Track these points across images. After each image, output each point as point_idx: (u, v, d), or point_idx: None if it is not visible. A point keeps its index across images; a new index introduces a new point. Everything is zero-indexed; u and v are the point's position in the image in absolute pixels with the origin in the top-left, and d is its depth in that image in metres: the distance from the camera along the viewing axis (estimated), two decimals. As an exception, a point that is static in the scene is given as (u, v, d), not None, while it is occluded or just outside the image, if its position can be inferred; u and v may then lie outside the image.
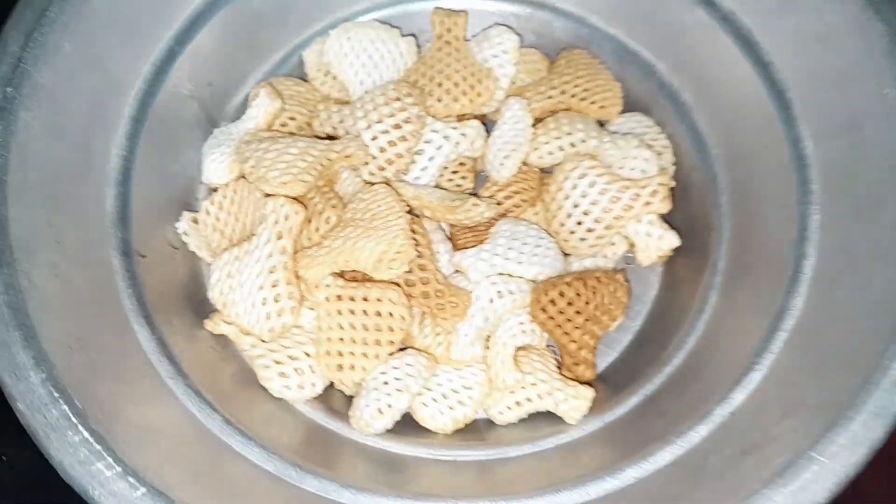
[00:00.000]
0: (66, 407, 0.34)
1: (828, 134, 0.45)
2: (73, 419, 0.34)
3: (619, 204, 0.48)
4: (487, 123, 0.54)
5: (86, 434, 0.34)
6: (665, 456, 0.39)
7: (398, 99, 0.49)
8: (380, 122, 0.49)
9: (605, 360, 0.50)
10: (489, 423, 0.47)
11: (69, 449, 0.33)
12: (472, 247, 0.48)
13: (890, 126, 0.43)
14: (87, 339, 0.38)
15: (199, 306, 0.46)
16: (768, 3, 0.48)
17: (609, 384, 0.48)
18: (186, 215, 0.48)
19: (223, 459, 0.38)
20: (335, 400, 0.46)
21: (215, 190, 0.49)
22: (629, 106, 0.54)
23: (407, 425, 0.45)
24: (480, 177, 0.54)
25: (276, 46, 0.55)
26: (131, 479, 0.33)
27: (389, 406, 0.43)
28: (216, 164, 0.48)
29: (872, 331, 0.38)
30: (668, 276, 0.52)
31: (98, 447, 0.34)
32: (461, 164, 0.52)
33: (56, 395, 0.34)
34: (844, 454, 0.34)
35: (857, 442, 0.34)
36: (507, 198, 0.50)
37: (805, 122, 0.46)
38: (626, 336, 0.51)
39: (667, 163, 0.52)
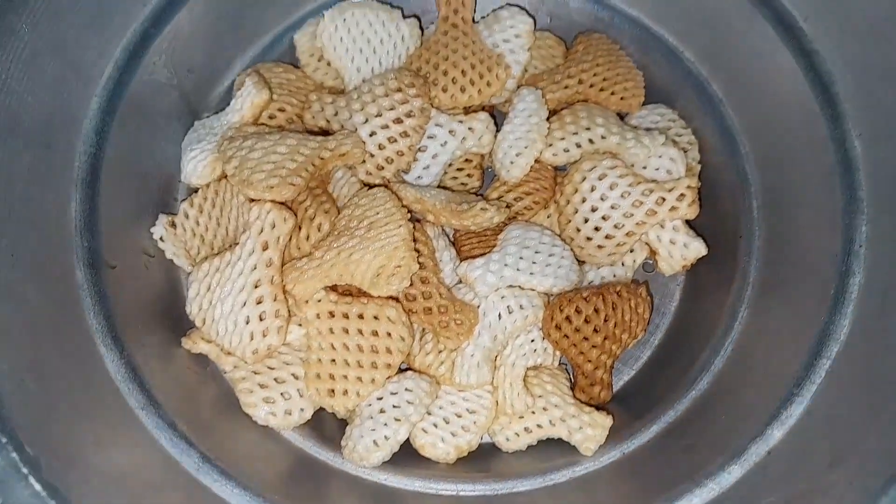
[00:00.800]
0: (15, 454, 0.30)
1: (879, 135, 0.41)
2: (24, 469, 0.30)
3: (641, 209, 0.44)
4: (497, 115, 0.49)
5: (38, 487, 0.30)
6: (693, 500, 0.35)
7: (400, 90, 0.44)
8: (379, 115, 0.44)
9: (621, 379, 0.46)
10: (494, 451, 0.43)
11: (18, 505, 0.29)
12: (479, 253, 0.44)
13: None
14: (44, 368, 0.34)
15: (176, 322, 0.42)
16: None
17: (627, 407, 0.44)
18: (163, 218, 0.43)
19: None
20: (326, 426, 0.42)
21: (196, 190, 0.44)
22: (652, 96, 0.50)
23: (404, 454, 0.41)
24: (488, 173, 0.49)
25: (264, 28, 0.50)
26: (89, 541, 0.29)
27: (386, 437, 0.39)
28: (196, 163, 0.43)
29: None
30: (691, 286, 0.48)
31: (52, 502, 0.29)
32: (467, 160, 0.48)
33: (4, 440, 0.30)
34: (907, 514, 0.30)
35: (920, 499, 0.30)
36: (518, 199, 0.46)
37: (853, 120, 0.42)
38: (644, 352, 0.47)
39: (692, 160, 0.48)
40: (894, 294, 0.37)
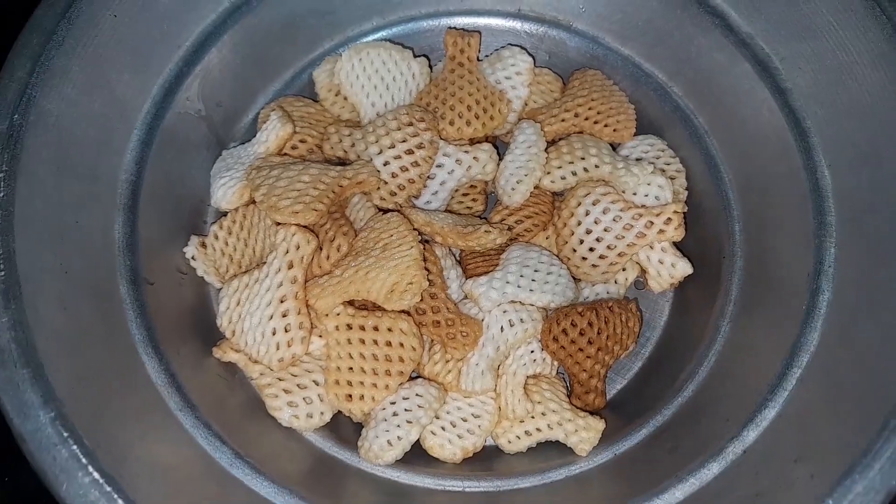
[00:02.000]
0: (75, 447, 0.34)
1: (846, 165, 0.44)
2: (83, 460, 0.34)
3: (632, 231, 0.48)
4: (499, 145, 0.54)
5: (96, 475, 0.33)
6: (676, 494, 0.39)
7: (411, 124, 0.49)
8: (392, 147, 0.48)
9: (614, 388, 0.50)
10: (497, 452, 0.46)
11: (79, 491, 0.33)
12: (483, 271, 0.48)
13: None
14: (95, 373, 0.38)
15: (207, 333, 0.46)
16: (788, 28, 0.47)
17: (619, 413, 0.47)
18: (194, 240, 0.47)
19: (232, 494, 0.38)
20: (343, 428, 0.46)
21: (224, 214, 0.48)
22: (643, 128, 0.54)
23: (415, 454, 0.44)
24: (491, 198, 0.53)
25: (285, 65, 0.54)
26: (142, 521, 0.33)
27: (399, 438, 0.42)
28: (226, 189, 0.47)
29: (889, 372, 0.37)
30: (678, 303, 0.52)
31: (108, 488, 0.33)
32: (472, 186, 0.52)
33: (65, 434, 0.34)
34: (860, 503, 0.34)
35: (874, 489, 0.34)
36: (519, 222, 0.50)
37: (823, 151, 0.46)
38: (635, 363, 0.50)
39: (680, 187, 0.52)
40: (859, 310, 0.41)
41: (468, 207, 0.52)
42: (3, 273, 0.36)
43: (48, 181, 0.41)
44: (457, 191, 0.52)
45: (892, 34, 0.44)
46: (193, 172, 0.50)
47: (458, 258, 0.50)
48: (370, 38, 0.55)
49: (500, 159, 0.51)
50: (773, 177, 0.48)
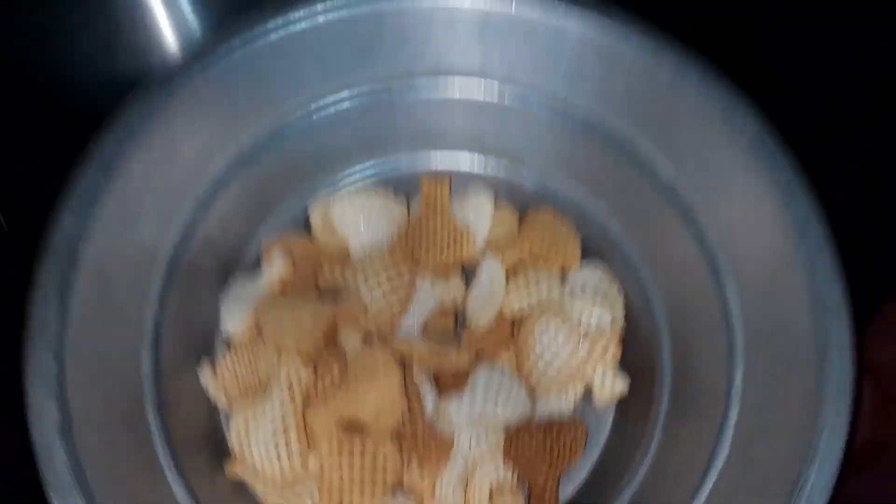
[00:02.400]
0: (119, 562, 0.41)
1: (750, 298, 0.53)
2: (129, 573, 0.41)
3: (577, 354, 0.57)
4: (467, 272, 0.63)
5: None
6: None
7: (392, 256, 0.58)
8: (377, 280, 0.57)
9: (565, 493, 0.58)
10: (462, 554, 0.54)
11: None
12: (454, 389, 0.56)
13: (800, 297, 0.52)
14: (134, 497, 0.45)
15: (219, 453, 0.53)
16: (706, 184, 0.56)
17: (569, 517, 0.56)
18: (207, 366, 0.55)
19: None
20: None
21: (234, 341, 0.56)
22: (587, 256, 0.62)
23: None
24: (460, 323, 0.62)
25: (284, 204, 0.62)
26: None
27: (383, 544, 0.50)
28: (236, 320, 0.55)
29: (778, 483, 0.46)
30: (619, 414, 0.60)
31: None
32: (444, 312, 0.61)
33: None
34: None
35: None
36: (484, 346, 0.59)
37: (732, 285, 0.54)
38: (583, 470, 0.58)
39: (618, 312, 0.61)
40: (761, 423, 0.49)
41: (441, 329, 0.61)
42: (60, 417, 0.43)
43: (93, 326, 0.48)
44: (431, 314, 0.60)
45: (784, 195, 0.53)
46: (205, 302, 0.58)
47: (433, 378, 0.58)
48: (358, 176, 0.64)
49: (467, 285, 0.60)
50: (693, 306, 0.56)
